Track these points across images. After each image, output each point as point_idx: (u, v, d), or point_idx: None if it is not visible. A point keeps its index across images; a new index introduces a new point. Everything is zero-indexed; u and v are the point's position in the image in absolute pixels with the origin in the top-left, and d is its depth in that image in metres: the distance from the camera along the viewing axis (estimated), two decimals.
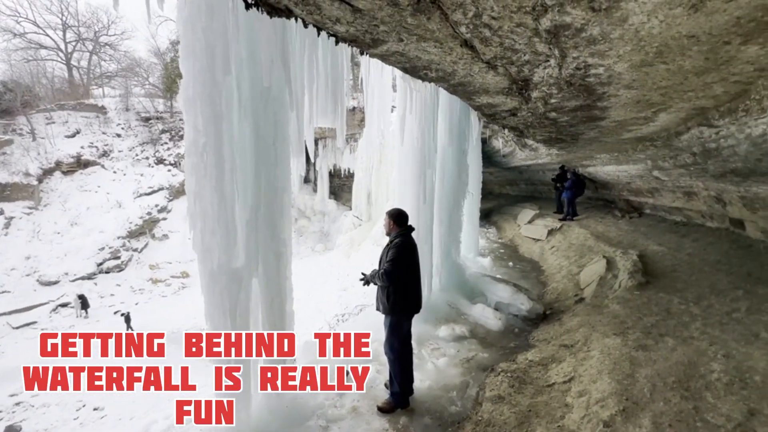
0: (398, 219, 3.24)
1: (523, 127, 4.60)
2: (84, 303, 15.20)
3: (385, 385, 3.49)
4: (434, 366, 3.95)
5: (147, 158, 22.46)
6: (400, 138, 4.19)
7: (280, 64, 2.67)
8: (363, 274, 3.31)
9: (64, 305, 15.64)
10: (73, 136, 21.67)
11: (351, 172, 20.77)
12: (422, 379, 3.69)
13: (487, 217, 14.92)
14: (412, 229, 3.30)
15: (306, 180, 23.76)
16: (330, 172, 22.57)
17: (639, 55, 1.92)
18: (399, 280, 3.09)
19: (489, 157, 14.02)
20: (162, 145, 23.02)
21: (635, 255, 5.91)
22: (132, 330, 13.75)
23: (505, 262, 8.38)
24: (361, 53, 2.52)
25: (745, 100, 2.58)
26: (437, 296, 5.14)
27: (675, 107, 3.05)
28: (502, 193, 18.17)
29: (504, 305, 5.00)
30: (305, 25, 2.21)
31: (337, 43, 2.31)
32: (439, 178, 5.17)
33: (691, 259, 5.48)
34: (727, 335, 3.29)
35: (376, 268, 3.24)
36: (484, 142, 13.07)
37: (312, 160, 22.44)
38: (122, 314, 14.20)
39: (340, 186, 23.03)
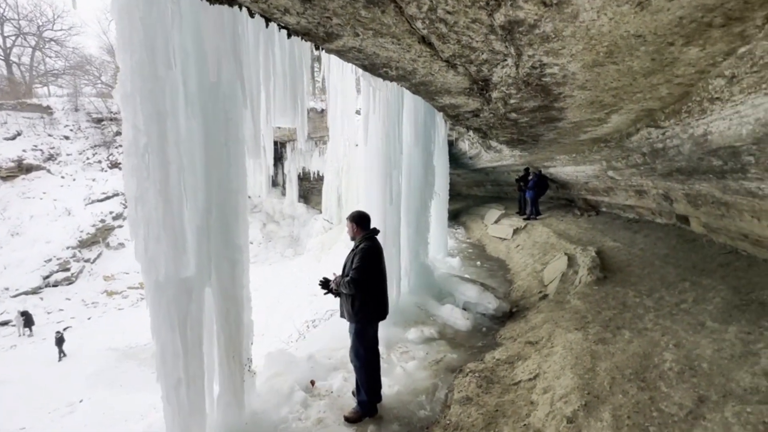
0: (361, 222, 3.14)
1: (486, 129, 4.64)
2: (28, 320, 13.87)
3: (353, 393, 3.36)
4: (403, 370, 3.87)
5: (99, 162, 20.97)
6: (364, 138, 4.11)
7: (231, 58, 2.50)
8: (325, 280, 3.16)
9: (4, 324, 14.22)
10: (13, 138, 19.83)
11: (321, 174, 20.46)
12: (391, 385, 3.60)
13: (455, 217, 15.16)
14: (376, 231, 3.21)
15: (274, 184, 23.14)
16: (299, 175, 22.11)
17: (591, 55, 1.94)
18: (366, 287, 2.99)
19: (456, 159, 14.27)
20: (116, 147, 21.56)
21: (593, 251, 6.16)
22: (64, 354, 12.33)
23: (474, 261, 8.49)
24: (317, 48, 2.41)
25: (687, 102, 2.71)
26: (406, 298, 5.08)
27: (625, 108, 3.17)
28: (470, 194, 18.55)
29: (472, 305, 5.02)
30: (251, 15, 2.06)
31: (289, 36, 2.18)
32: (405, 180, 5.13)
33: (643, 254, 5.77)
34: (677, 325, 3.45)
35: (338, 274, 3.12)
36: (451, 144, 13.28)
37: (282, 163, 21.91)
38: (57, 335, 12.46)
39: (310, 189, 22.61)
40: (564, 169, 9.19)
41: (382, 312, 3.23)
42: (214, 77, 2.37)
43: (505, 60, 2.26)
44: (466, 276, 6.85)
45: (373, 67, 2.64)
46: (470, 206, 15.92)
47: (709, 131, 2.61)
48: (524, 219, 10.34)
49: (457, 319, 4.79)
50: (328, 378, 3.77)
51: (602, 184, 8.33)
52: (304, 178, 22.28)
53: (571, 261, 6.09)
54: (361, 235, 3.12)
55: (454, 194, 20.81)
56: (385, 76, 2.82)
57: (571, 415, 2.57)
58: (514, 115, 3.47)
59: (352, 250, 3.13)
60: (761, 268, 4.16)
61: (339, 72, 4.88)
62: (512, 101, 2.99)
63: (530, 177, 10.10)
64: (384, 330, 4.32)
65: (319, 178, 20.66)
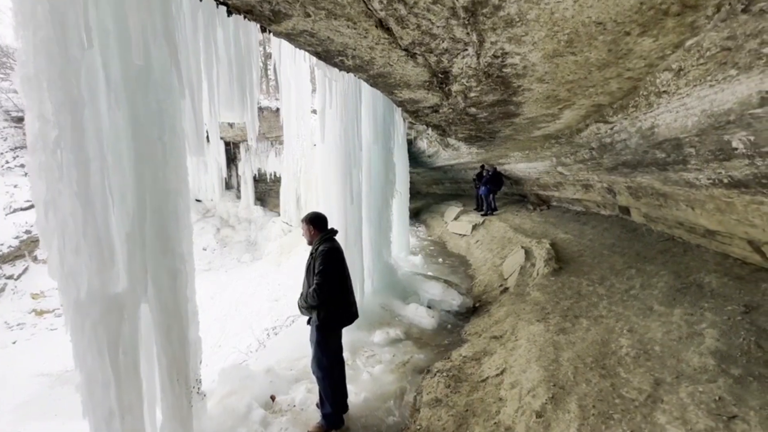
0: (317, 223, 2.92)
1: (445, 125, 4.60)
2: None
3: (317, 405, 3.13)
4: (370, 375, 3.70)
5: (22, 166, 18.57)
6: (321, 135, 3.87)
7: (161, 39, 2.17)
8: (303, 309, 2.93)
9: None
10: None
11: (278, 176, 19.68)
12: (357, 392, 3.41)
13: (416, 216, 15.27)
14: (335, 232, 3.00)
15: (228, 186, 21.93)
16: (255, 177, 21.13)
17: (552, 43, 1.89)
18: (331, 292, 2.78)
19: (415, 158, 14.36)
20: None
21: (548, 244, 6.39)
22: None
23: (436, 258, 8.53)
24: (264, 30, 2.16)
25: (635, 96, 2.80)
26: (370, 300, 4.91)
27: (578, 104, 3.23)
28: (430, 192, 18.82)
29: (436, 302, 4.97)
30: None
31: (229, 14, 1.91)
32: (366, 178, 4.96)
33: (592, 244, 6.08)
34: (629, 311, 3.61)
35: (303, 291, 2.89)
36: (410, 143, 13.34)
37: (236, 165, 20.80)
38: None
39: (267, 191, 21.70)
40: (517, 165, 9.52)
41: (349, 317, 3.03)
42: (140, 59, 2.03)
43: (466, 49, 2.16)
44: (429, 274, 6.83)
45: (327, 54, 2.43)
46: (430, 204, 16.12)
47: (657, 124, 2.73)
48: (482, 215, 10.60)
49: (422, 318, 4.70)
50: (289, 391, 3.49)
51: (552, 179, 8.73)
52: (260, 179, 21.34)
53: (528, 254, 6.27)
54: (318, 237, 2.90)
55: (414, 193, 21.03)
56: (341, 66, 2.63)
57: (540, 409, 2.55)
58: (473, 110, 3.42)
59: (311, 254, 2.90)
60: (695, 253, 4.51)
61: (292, 65, 4.59)
62: (472, 95, 2.93)
63: (484, 174, 10.36)
64: (348, 335, 4.12)
65: (276, 180, 19.88)
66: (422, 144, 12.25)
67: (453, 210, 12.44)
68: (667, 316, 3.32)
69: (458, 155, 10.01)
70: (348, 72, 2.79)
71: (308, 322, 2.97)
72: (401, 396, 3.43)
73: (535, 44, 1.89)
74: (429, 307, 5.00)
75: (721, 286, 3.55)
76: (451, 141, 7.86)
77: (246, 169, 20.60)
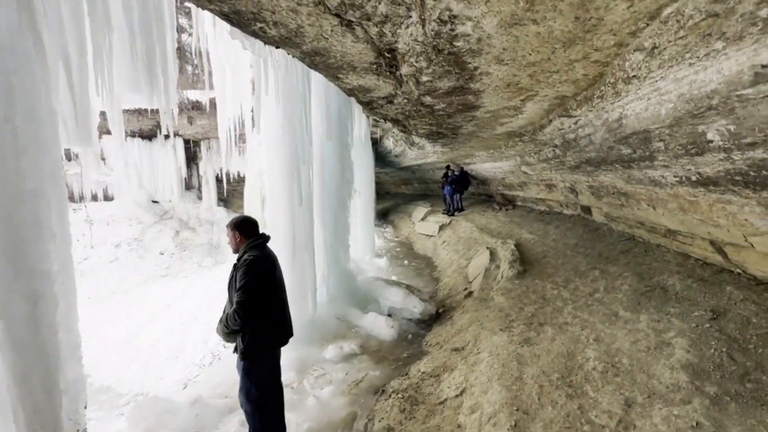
0: (244, 228, 2.42)
1: (403, 119, 4.19)
2: None
3: None
4: (316, 400, 3.22)
5: None
6: (257, 126, 3.34)
7: None
8: (225, 336, 2.37)
9: None
10: None
11: (242, 175, 18.67)
12: (299, 423, 2.93)
13: (384, 216, 14.89)
14: (266, 238, 2.51)
15: (188, 186, 20.57)
16: (217, 177, 19.94)
17: (509, 4, 1.51)
18: (257, 310, 2.28)
19: (383, 158, 13.98)
20: None
21: (512, 244, 6.18)
22: None
23: (401, 260, 8.15)
24: None
25: (600, 85, 2.51)
26: (325, 310, 4.42)
27: (540, 95, 2.92)
28: (398, 193, 18.53)
29: (397, 310, 4.57)
30: None
31: None
32: (318, 176, 4.46)
33: (556, 245, 5.91)
34: (594, 317, 3.35)
35: (223, 314, 2.37)
36: (377, 142, 12.93)
37: (196, 164, 19.52)
38: None
39: (231, 191, 20.55)
40: (483, 165, 9.35)
41: (281, 337, 2.53)
42: None
43: (409, 15, 1.74)
44: (393, 278, 6.43)
45: (240, 19, 1.93)
46: (399, 204, 15.80)
47: (625, 114, 2.45)
48: (448, 215, 10.37)
49: (381, 328, 4.28)
50: (220, 425, 2.96)
51: (517, 179, 8.60)
52: (222, 179, 20.17)
53: (493, 255, 6.02)
54: (245, 244, 2.39)
55: (384, 193, 20.67)
56: (264, 37, 2.13)
57: None
58: (428, 100, 3.03)
59: (234, 265, 2.39)
60: (656, 253, 4.38)
61: (230, 47, 4.01)
62: (424, 79, 2.52)
63: (449, 174, 10.13)
64: (295, 352, 3.63)
65: (241, 179, 18.86)
66: (389, 143, 11.87)
67: (420, 210, 12.16)
68: (634, 322, 3.08)
69: (425, 155, 9.71)
70: (276, 46, 2.30)
71: (234, 350, 2.45)
72: (351, 423, 2.98)
73: (488, 3, 1.50)
74: (389, 315, 4.58)
75: (685, 289, 3.37)
76: (416, 139, 7.51)
77: (207, 169, 19.39)
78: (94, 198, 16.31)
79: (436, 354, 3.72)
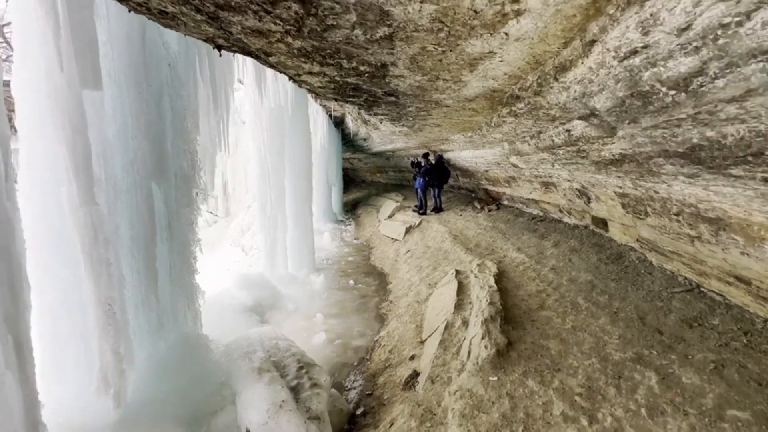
0: None
1: (333, 92, 1.76)
2: None
3: None
4: None
5: None
6: None
7: None
8: None
9: None
10: None
11: None
12: None
13: (354, 208, 12.55)
14: None
15: None
16: None
17: None
18: None
19: (352, 142, 11.52)
20: None
21: (493, 272, 3.96)
22: None
23: (347, 278, 5.87)
24: None
25: None
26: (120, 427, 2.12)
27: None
28: (374, 182, 16.12)
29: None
30: None
31: None
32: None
33: (558, 279, 3.69)
34: None
35: None
36: (340, 124, 10.45)
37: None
38: None
39: None
40: (462, 153, 7.01)
41: None
42: None
43: None
44: (318, 316, 4.13)
45: None
46: (371, 195, 13.43)
47: None
48: (419, 214, 8.09)
49: None
50: None
51: (504, 173, 6.31)
52: None
53: (462, 289, 3.79)
54: None
55: (359, 181, 18.16)
56: None
57: None
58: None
59: None
60: (761, 334, 2.18)
61: None
62: None
63: (422, 164, 7.78)
64: None
65: None
66: (353, 126, 9.41)
67: (390, 205, 9.85)
68: None
69: (391, 139, 7.32)
70: None
71: None
72: None
73: None
74: None
75: None
76: (370, 119, 5.10)
77: None
78: None
79: None
